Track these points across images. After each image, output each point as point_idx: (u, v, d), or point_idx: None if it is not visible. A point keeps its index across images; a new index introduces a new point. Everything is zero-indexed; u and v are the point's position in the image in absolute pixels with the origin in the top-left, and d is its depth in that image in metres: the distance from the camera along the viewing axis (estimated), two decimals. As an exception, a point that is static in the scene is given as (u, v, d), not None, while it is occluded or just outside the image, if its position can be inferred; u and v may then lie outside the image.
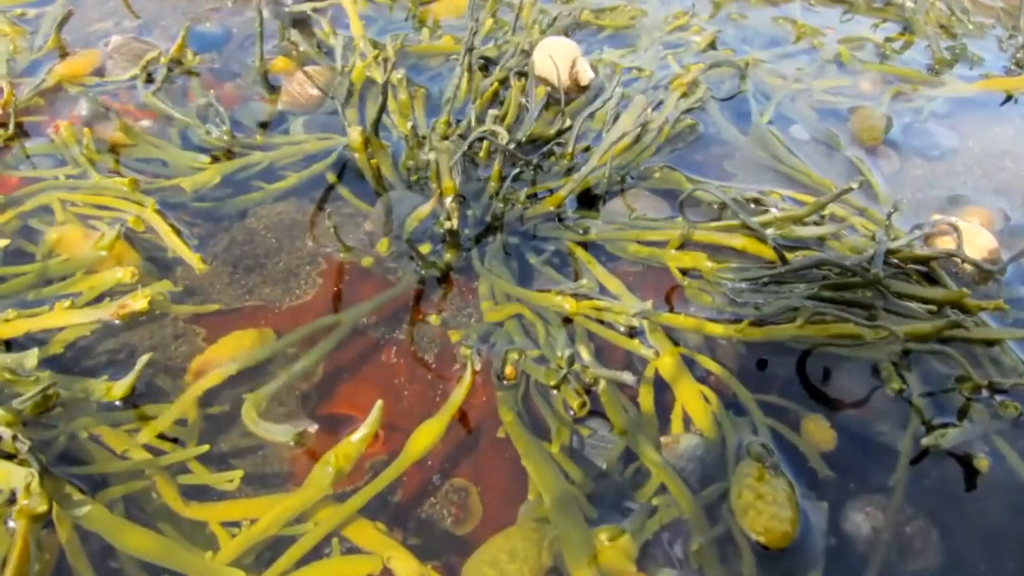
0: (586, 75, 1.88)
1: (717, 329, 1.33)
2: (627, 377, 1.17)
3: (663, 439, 1.17)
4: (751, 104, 1.93)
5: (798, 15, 2.36)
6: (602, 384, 1.23)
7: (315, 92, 1.78)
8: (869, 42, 2.25)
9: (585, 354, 1.28)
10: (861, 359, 1.31)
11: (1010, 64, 2.23)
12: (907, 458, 1.19)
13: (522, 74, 1.83)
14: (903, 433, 1.22)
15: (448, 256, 1.45)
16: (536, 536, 1.04)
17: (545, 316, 1.35)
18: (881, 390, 1.27)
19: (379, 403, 1.08)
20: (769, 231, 1.46)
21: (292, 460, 1.13)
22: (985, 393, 1.26)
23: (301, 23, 2.05)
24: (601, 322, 1.34)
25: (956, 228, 1.47)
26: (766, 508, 1.06)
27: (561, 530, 1.05)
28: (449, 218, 1.39)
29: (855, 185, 1.36)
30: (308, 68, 1.82)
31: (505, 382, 1.24)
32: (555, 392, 1.23)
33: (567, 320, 1.34)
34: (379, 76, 1.81)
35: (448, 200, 1.39)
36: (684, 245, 1.47)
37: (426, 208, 1.40)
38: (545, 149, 1.64)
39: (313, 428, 1.13)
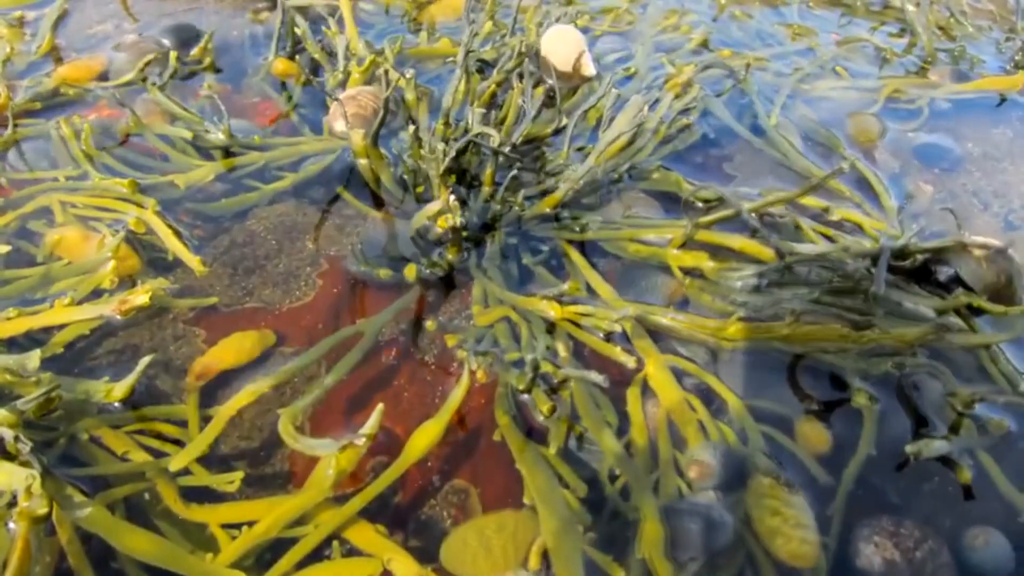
0: (590, 68, 1.89)
1: (705, 332, 1.32)
2: (595, 376, 1.17)
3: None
4: (750, 105, 1.93)
5: (796, 18, 2.37)
6: (573, 385, 1.23)
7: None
8: (868, 43, 2.26)
9: (563, 352, 1.28)
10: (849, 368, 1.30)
11: (1008, 66, 2.23)
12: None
13: (522, 76, 1.83)
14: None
15: (451, 256, 1.45)
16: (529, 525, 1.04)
17: (531, 320, 1.34)
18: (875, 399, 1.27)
19: (380, 406, 1.08)
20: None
21: (292, 462, 1.14)
22: (977, 407, 1.24)
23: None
24: (583, 327, 1.32)
25: (959, 239, 1.46)
26: (793, 532, 1.05)
27: (552, 540, 1.04)
28: (446, 211, 1.39)
29: (844, 167, 1.37)
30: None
31: (476, 384, 1.24)
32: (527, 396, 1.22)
33: (552, 325, 1.33)
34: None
35: (451, 198, 1.39)
36: (683, 245, 1.47)
37: (435, 207, 1.40)
38: (536, 153, 1.64)
39: (360, 440, 1.05)
